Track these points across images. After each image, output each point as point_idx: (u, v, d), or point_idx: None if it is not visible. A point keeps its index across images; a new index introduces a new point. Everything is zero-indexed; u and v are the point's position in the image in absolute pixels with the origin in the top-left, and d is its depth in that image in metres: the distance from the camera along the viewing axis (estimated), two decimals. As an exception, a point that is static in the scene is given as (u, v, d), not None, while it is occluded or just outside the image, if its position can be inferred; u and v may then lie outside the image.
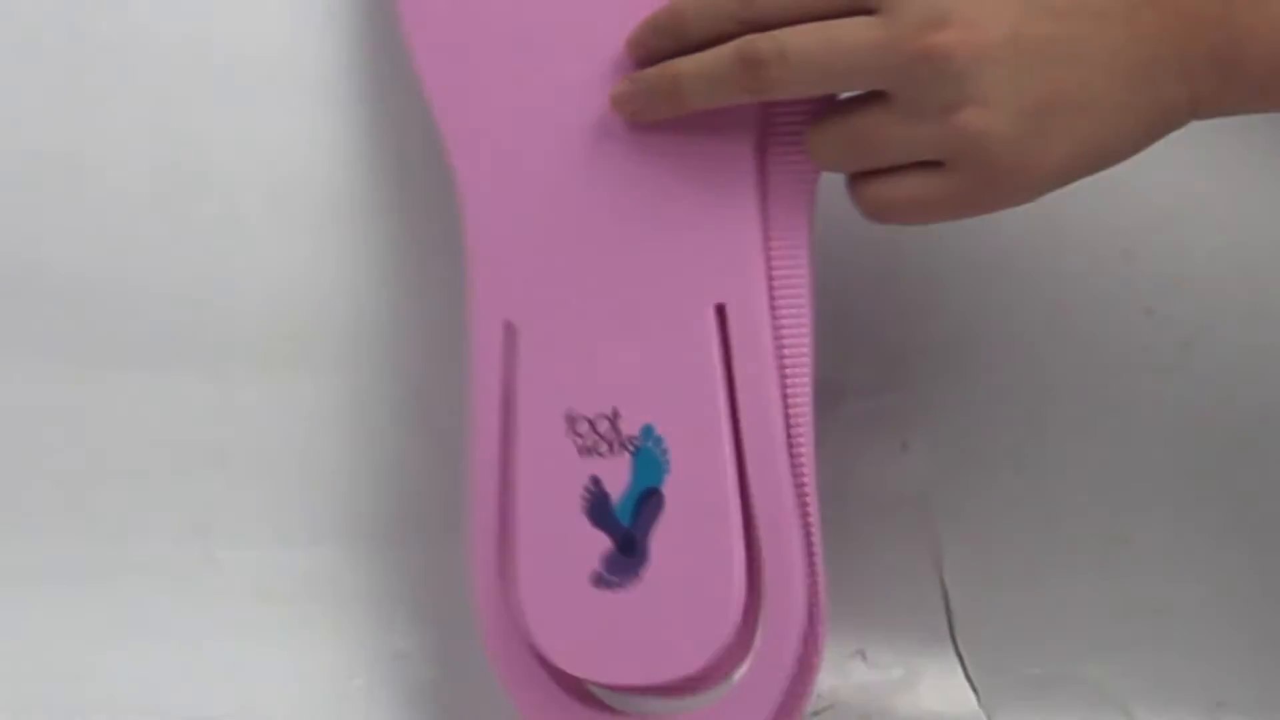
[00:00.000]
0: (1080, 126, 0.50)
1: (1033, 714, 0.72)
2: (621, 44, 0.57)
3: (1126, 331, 0.72)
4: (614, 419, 0.58)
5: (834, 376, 0.69)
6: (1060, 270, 0.71)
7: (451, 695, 0.69)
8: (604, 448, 0.58)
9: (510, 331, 0.60)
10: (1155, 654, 0.73)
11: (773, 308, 0.56)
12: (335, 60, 0.67)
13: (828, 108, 0.54)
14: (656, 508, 0.57)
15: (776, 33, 0.52)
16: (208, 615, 0.67)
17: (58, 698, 0.65)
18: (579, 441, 0.58)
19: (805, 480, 0.57)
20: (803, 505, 0.57)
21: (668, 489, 0.57)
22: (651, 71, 0.55)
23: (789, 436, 0.57)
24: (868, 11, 0.51)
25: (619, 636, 0.58)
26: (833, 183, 0.56)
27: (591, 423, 0.58)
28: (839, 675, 0.71)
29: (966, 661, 0.73)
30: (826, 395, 0.68)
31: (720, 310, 0.57)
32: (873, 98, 0.52)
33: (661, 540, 0.57)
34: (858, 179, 0.54)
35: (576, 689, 0.60)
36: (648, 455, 0.57)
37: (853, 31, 0.51)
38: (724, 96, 0.54)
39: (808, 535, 0.57)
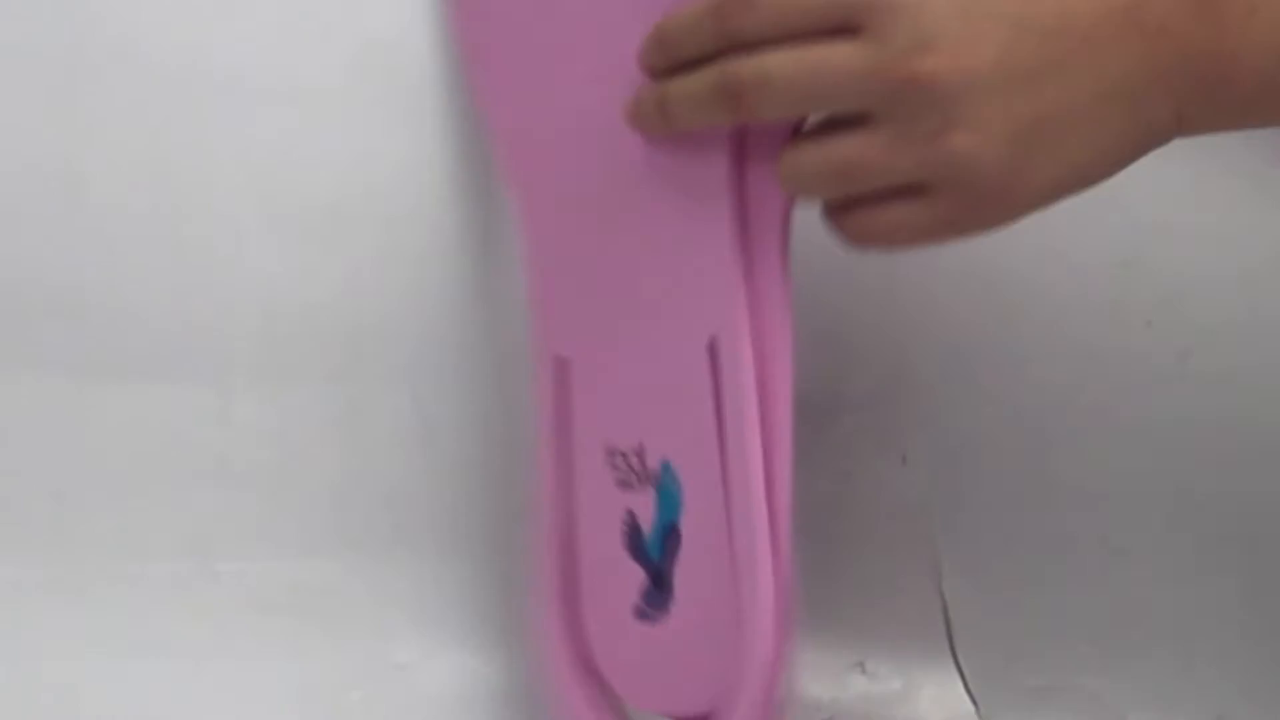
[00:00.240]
0: (1066, 148, 0.50)
1: (1032, 725, 0.73)
2: None
3: (1125, 343, 0.72)
4: (641, 453, 0.57)
5: (833, 389, 0.69)
6: (1059, 282, 0.71)
7: (451, 707, 0.69)
8: (635, 481, 0.57)
9: (562, 365, 0.60)
10: (1154, 665, 0.74)
11: (754, 341, 0.55)
12: (332, 73, 0.67)
13: (799, 134, 0.53)
14: (676, 544, 0.57)
15: (758, 58, 0.51)
16: (206, 628, 0.67)
17: (55, 712, 0.65)
18: (616, 474, 0.58)
19: (780, 522, 0.55)
20: (776, 545, 0.55)
21: (684, 525, 0.57)
22: (645, 90, 0.55)
23: (768, 476, 0.55)
24: (850, 30, 0.50)
25: (658, 667, 0.58)
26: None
27: (625, 456, 0.58)
28: (839, 687, 0.72)
29: (966, 673, 0.73)
30: (826, 408, 0.68)
31: (712, 344, 0.56)
32: (853, 122, 0.51)
33: (683, 576, 0.57)
34: (837, 207, 0.53)
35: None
36: (667, 491, 0.57)
37: (837, 56, 0.50)
38: (708, 119, 0.53)
39: (779, 579, 0.55)
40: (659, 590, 0.57)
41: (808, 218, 0.55)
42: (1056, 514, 0.73)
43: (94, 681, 0.66)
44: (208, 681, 0.67)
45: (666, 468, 0.57)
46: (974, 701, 0.73)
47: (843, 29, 0.50)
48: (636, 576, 0.58)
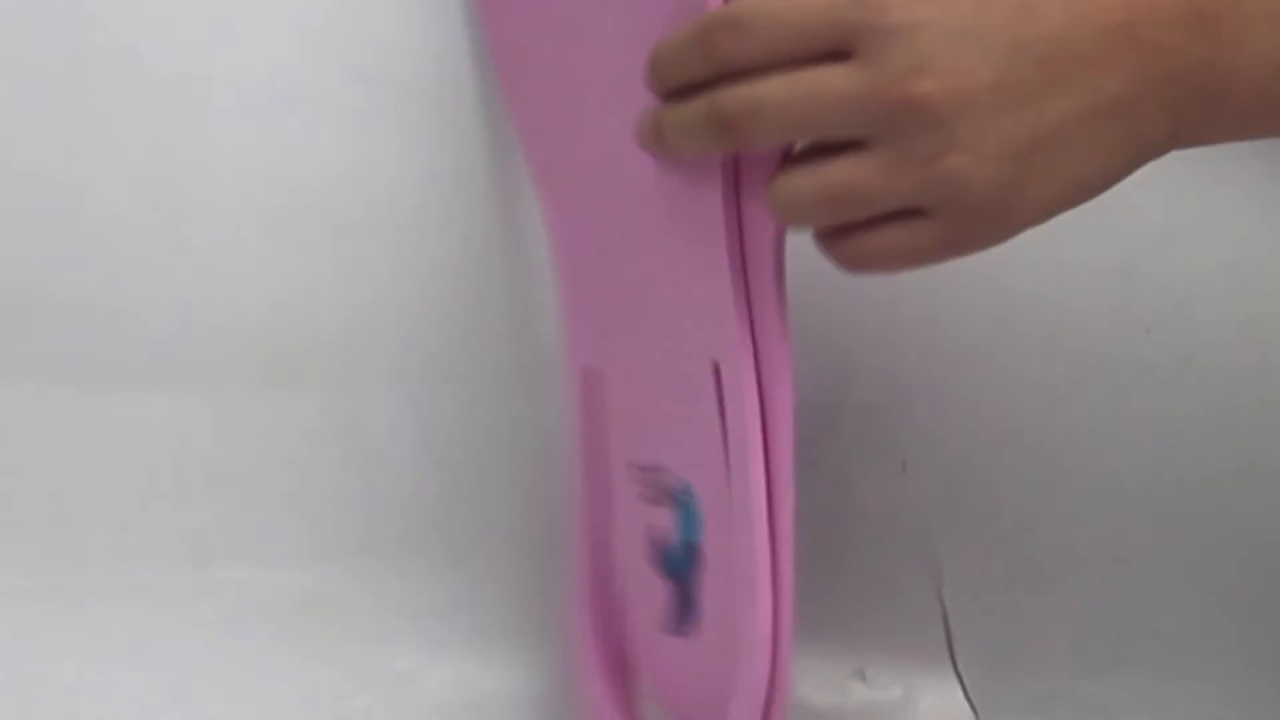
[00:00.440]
0: (1062, 166, 0.50)
1: (1032, 732, 0.73)
2: None
3: (1125, 350, 0.72)
4: (660, 471, 0.57)
5: (834, 398, 0.69)
6: (1059, 289, 0.71)
7: (452, 715, 0.69)
8: (658, 498, 0.57)
9: (593, 376, 0.60)
10: (1154, 673, 0.74)
11: (756, 365, 0.55)
12: (333, 79, 0.67)
13: (788, 159, 0.52)
14: (700, 562, 0.56)
15: (749, 86, 0.50)
16: (206, 635, 0.67)
17: (55, 719, 0.65)
18: (639, 489, 0.58)
19: (782, 549, 0.54)
20: (777, 571, 0.54)
21: (705, 545, 0.57)
22: (648, 112, 0.55)
23: (770, 503, 0.54)
24: (841, 54, 0.49)
25: (684, 681, 0.57)
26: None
27: (646, 471, 0.57)
28: (839, 695, 0.72)
29: (966, 681, 0.73)
30: (826, 417, 0.68)
31: (715, 368, 0.56)
32: (846, 148, 0.50)
33: (708, 595, 0.57)
34: (830, 233, 0.52)
35: None
36: (688, 510, 0.57)
37: (831, 81, 0.49)
38: (701, 147, 0.53)
39: (779, 604, 0.55)
40: (687, 607, 0.57)
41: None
42: (1056, 522, 0.73)
43: (94, 689, 0.66)
44: (208, 689, 0.67)
45: (687, 488, 0.56)
46: (974, 709, 0.73)
47: (834, 53, 0.49)
48: (661, 591, 0.57)
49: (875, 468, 0.72)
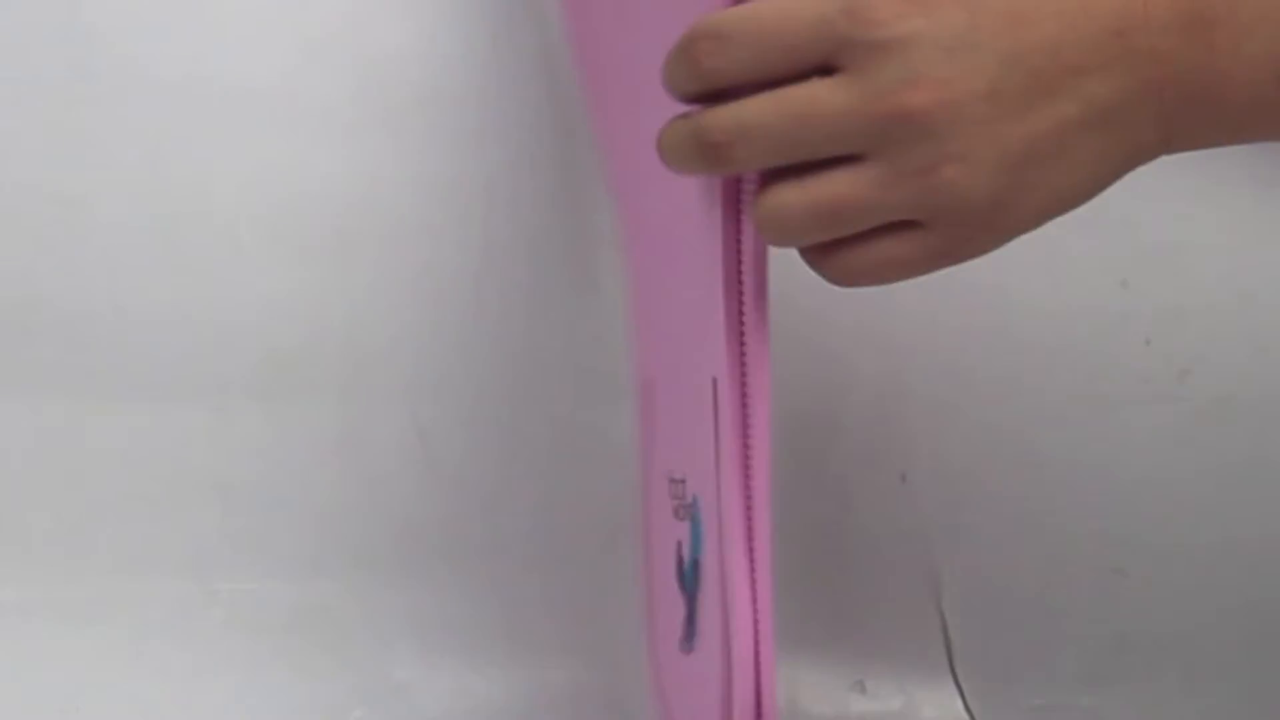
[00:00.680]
0: (1054, 176, 0.50)
1: (1032, 744, 0.73)
2: None
3: (1125, 361, 0.72)
4: (684, 484, 0.56)
5: (833, 409, 0.69)
6: (1058, 301, 0.71)
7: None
8: (682, 512, 0.57)
9: (649, 388, 0.60)
10: (1153, 685, 0.74)
11: (741, 383, 0.53)
12: (334, 92, 0.67)
13: (772, 177, 0.51)
14: (701, 578, 0.56)
15: (735, 108, 0.49)
16: (206, 648, 0.67)
17: (56, 731, 0.65)
18: (673, 504, 0.57)
19: (760, 571, 0.53)
20: (754, 591, 0.53)
21: (704, 561, 0.56)
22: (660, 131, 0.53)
23: (748, 521, 0.53)
24: (829, 68, 0.49)
25: (686, 701, 0.57)
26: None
27: (676, 484, 0.57)
28: (839, 706, 0.71)
29: (965, 692, 0.73)
30: (825, 428, 0.68)
31: (715, 383, 0.55)
32: (836, 163, 0.49)
33: (705, 611, 0.56)
34: (818, 248, 0.51)
35: None
36: (697, 525, 0.56)
37: (820, 98, 0.48)
38: (692, 169, 0.52)
39: (755, 625, 0.53)
40: (691, 624, 0.56)
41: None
42: (1055, 533, 0.73)
43: (95, 701, 0.66)
44: (208, 701, 0.67)
45: (696, 501, 0.56)
46: (973, 720, 0.73)
47: (821, 66, 0.49)
48: (681, 607, 0.57)
49: (875, 479, 0.72)
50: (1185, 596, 0.74)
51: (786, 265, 0.53)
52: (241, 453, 0.67)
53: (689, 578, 0.56)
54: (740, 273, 0.53)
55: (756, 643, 0.53)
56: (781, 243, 0.51)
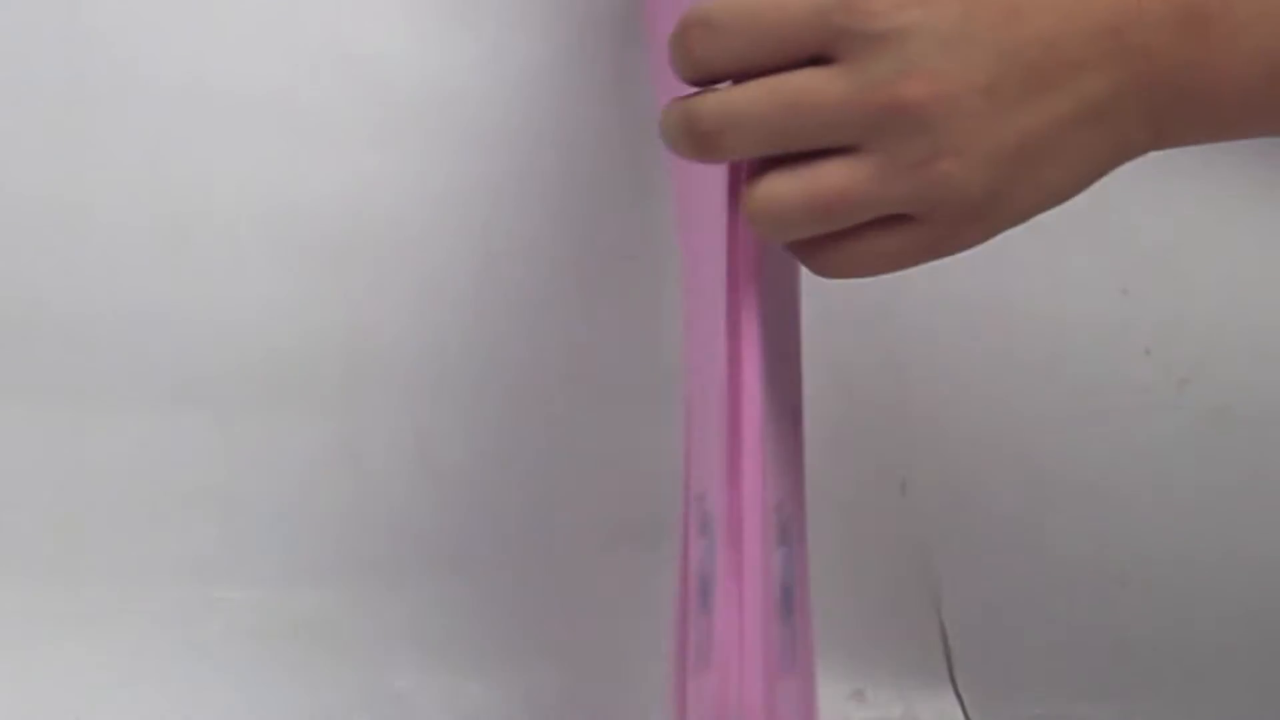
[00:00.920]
0: (1046, 171, 0.50)
1: (1031, 753, 0.73)
2: None
3: (1124, 370, 0.72)
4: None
5: (833, 419, 0.69)
6: (1058, 309, 0.71)
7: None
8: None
9: (689, 403, 0.59)
10: (1154, 694, 0.74)
11: (733, 386, 0.52)
12: (334, 100, 0.67)
13: (764, 167, 0.50)
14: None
15: (724, 96, 0.49)
16: (207, 656, 0.67)
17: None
18: (699, 520, 0.55)
19: (748, 585, 0.52)
20: (740, 605, 0.52)
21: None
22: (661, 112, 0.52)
23: (740, 530, 0.52)
24: (822, 59, 0.48)
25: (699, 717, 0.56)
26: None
27: (700, 500, 0.55)
28: (839, 715, 0.71)
29: (965, 701, 0.73)
30: (826, 436, 0.68)
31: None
32: (830, 155, 0.49)
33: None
34: (811, 241, 0.50)
35: None
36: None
37: (815, 87, 0.48)
38: (685, 155, 0.51)
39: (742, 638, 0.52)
40: (707, 639, 0.55)
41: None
42: (1056, 542, 0.73)
43: (95, 709, 0.66)
44: (208, 709, 0.67)
45: (711, 519, 0.54)
46: (973, 729, 0.73)
47: (815, 57, 0.48)
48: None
49: (875, 488, 0.72)
50: (1185, 605, 0.74)
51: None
52: (241, 460, 0.67)
53: (704, 594, 0.55)
54: (738, 270, 0.52)
55: (742, 657, 0.51)
56: (773, 236, 0.51)
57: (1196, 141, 0.52)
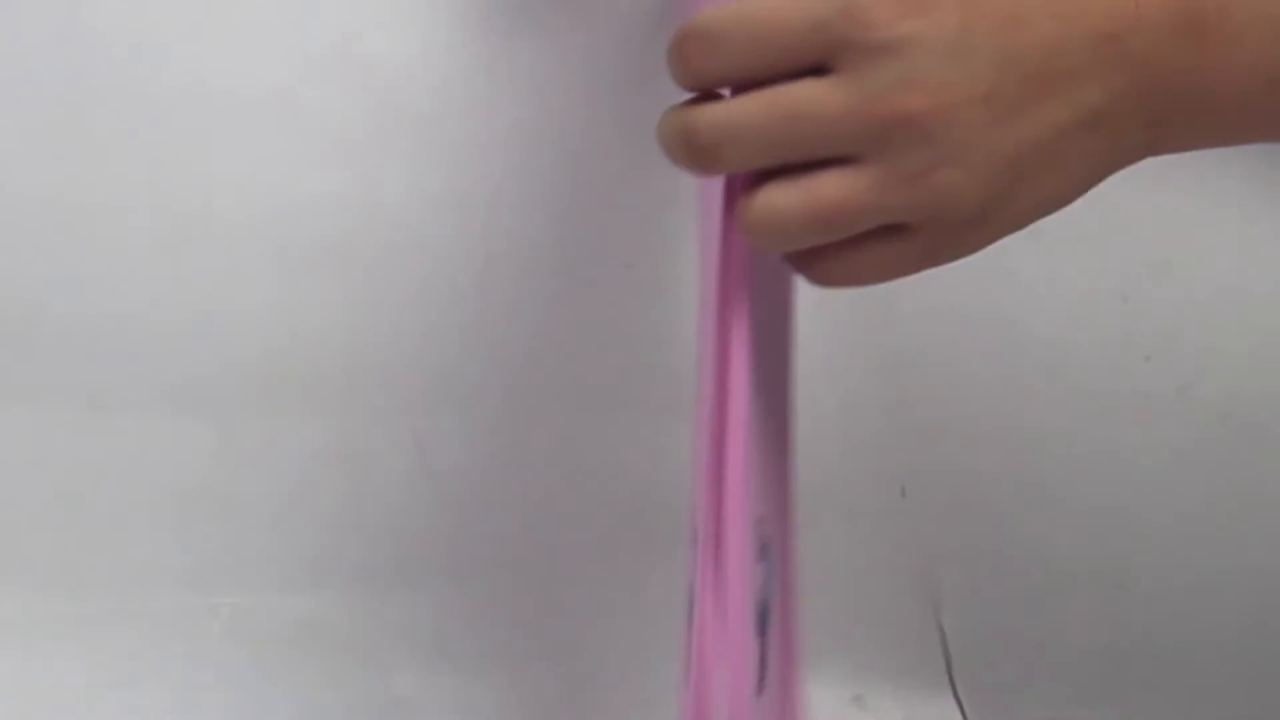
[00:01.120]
0: (1044, 178, 0.50)
1: (1031, 759, 0.73)
2: None
3: (1124, 377, 0.72)
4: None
5: (833, 424, 0.69)
6: (1058, 316, 0.71)
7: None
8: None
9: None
10: (1154, 699, 0.74)
11: (720, 397, 0.51)
12: (335, 104, 0.67)
13: (763, 181, 0.49)
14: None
15: (724, 108, 0.48)
16: (207, 662, 0.67)
17: (56, 743, 0.65)
18: (690, 531, 0.54)
19: (733, 599, 0.51)
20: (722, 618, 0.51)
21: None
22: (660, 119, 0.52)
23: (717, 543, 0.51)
24: (821, 69, 0.48)
25: None
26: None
27: (692, 512, 0.53)
28: (838, 720, 0.72)
29: (965, 706, 0.73)
30: (826, 442, 0.68)
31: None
32: (829, 165, 0.48)
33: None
34: (808, 251, 0.50)
35: None
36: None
37: (812, 99, 0.47)
38: (681, 165, 0.50)
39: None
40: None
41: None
42: (1055, 547, 0.73)
43: (95, 713, 0.66)
44: (208, 713, 0.67)
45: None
46: (973, 735, 0.73)
47: (813, 67, 0.48)
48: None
49: (875, 493, 0.72)
50: (1185, 612, 0.74)
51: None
52: (242, 466, 0.67)
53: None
54: (730, 280, 0.51)
55: (713, 674, 0.50)
56: (771, 247, 0.50)
57: (1195, 147, 0.52)
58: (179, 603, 0.67)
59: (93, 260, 0.66)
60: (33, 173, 0.65)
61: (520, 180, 0.67)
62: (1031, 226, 0.51)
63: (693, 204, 0.57)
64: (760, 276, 0.52)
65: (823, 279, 0.51)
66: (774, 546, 0.54)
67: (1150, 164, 0.51)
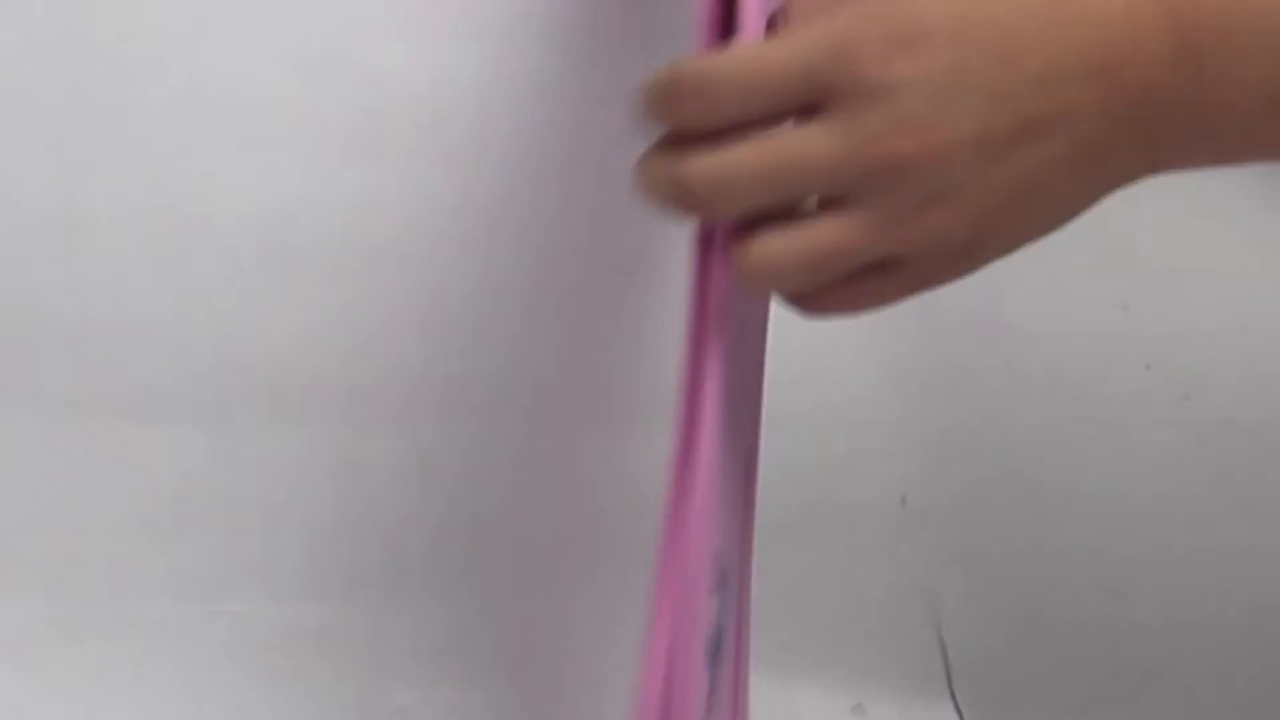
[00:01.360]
0: (1036, 210, 0.50)
1: (1030, 767, 0.73)
2: None
3: (1125, 385, 0.72)
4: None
5: (833, 432, 0.69)
6: (1059, 325, 0.71)
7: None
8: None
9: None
10: (1154, 709, 0.74)
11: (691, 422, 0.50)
12: (334, 112, 0.67)
13: (756, 225, 0.49)
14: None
15: (718, 160, 0.48)
16: (205, 669, 0.67)
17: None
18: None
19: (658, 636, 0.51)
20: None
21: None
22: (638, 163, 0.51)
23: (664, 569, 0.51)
24: (811, 107, 0.48)
25: None
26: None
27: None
28: (838, 729, 0.72)
29: (965, 715, 0.73)
30: (826, 451, 0.68)
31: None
32: (822, 207, 0.48)
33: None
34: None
35: None
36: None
37: (807, 143, 0.47)
38: (668, 211, 0.50)
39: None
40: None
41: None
42: (1055, 557, 0.73)
43: (93, 723, 0.66)
44: (207, 722, 0.67)
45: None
46: (973, 744, 0.73)
47: (805, 107, 0.48)
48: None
49: (875, 502, 0.72)
50: (1185, 620, 0.74)
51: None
52: (242, 474, 0.67)
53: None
54: (706, 314, 0.51)
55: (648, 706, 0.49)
56: (764, 290, 0.51)
57: (1192, 169, 0.52)
58: (178, 612, 0.67)
59: (89, 265, 0.66)
60: (29, 178, 0.65)
61: (521, 188, 0.67)
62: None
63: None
64: (736, 306, 0.51)
65: (813, 312, 0.51)
66: (732, 577, 0.53)
67: (1150, 172, 0.51)
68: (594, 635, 0.71)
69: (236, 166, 0.66)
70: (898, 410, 0.71)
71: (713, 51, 0.49)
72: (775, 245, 0.49)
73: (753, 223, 0.49)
